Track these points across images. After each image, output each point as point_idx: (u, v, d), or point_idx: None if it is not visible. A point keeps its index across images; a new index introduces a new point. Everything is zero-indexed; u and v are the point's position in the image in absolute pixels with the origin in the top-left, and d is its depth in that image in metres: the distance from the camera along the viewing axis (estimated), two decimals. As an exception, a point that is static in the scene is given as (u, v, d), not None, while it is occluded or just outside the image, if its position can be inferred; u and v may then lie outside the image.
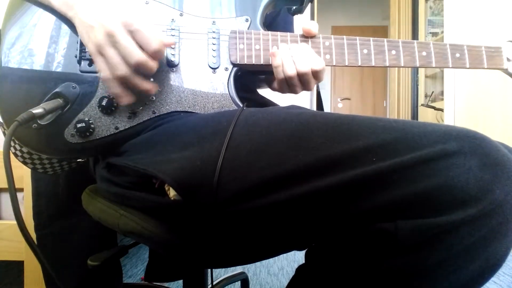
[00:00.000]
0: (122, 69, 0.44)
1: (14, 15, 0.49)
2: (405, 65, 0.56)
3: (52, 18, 0.49)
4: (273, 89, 0.62)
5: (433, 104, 3.16)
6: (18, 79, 0.47)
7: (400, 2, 3.96)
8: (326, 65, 0.55)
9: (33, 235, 0.85)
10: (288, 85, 0.55)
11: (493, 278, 1.29)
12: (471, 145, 0.31)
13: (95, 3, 0.45)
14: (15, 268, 1.18)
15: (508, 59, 0.60)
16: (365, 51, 0.55)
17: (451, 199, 0.30)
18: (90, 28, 0.44)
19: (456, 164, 0.30)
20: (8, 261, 1.05)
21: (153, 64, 0.45)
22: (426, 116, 3.37)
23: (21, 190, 1.00)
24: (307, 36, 0.55)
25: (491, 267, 0.32)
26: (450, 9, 2.49)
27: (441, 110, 2.91)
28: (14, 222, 0.40)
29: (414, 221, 0.30)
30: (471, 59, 0.58)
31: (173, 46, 0.50)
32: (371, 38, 0.55)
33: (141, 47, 0.44)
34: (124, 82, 0.45)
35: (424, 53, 0.56)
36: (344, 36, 0.55)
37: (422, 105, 3.44)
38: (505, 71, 0.61)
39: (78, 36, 0.48)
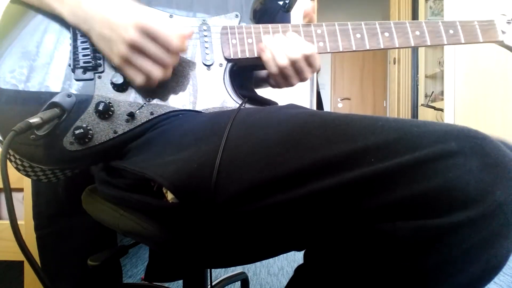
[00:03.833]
0: (159, 72, 0.46)
1: (7, 29, 0.50)
2: (400, 45, 0.56)
3: (45, 29, 0.50)
4: (271, 85, 0.62)
5: (433, 104, 3.16)
6: (14, 91, 0.47)
7: (400, 2, 3.96)
8: (321, 53, 0.55)
9: (34, 235, 0.86)
10: (283, 77, 0.55)
11: (493, 278, 1.29)
12: (472, 145, 0.30)
13: (107, 11, 0.45)
14: (15, 268, 1.17)
15: (502, 32, 0.60)
16: (358, 35, 0.55)
17: (450, 201, 0.29)
18: (109, 41, 0.45)
19: (456, 165, 0.29)
20: (8, 261, 1.05)
21: (178, 59, 0.48)
22: (426, 116, 3.37)
23: (21, 190, 1.00)
24: (298, 26, 0.55)
25: (492, 269, 0.31)
26: (450, 9, 2.49)
27: (441, 110, 2.91)
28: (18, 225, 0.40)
29: (414, 222, 0.30)
30: (465, 34, 0.58)
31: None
32: (362, 22, 0.55)
33: (163, 47, 0.46)
34: (160, 80, 0.48)
35: (417, 33, 0.56)
36: (336, 23, 0.55)
37: (422, 105, 3.44)
38: (501, 43, 0.61)
39: (71, 45, 0.49)
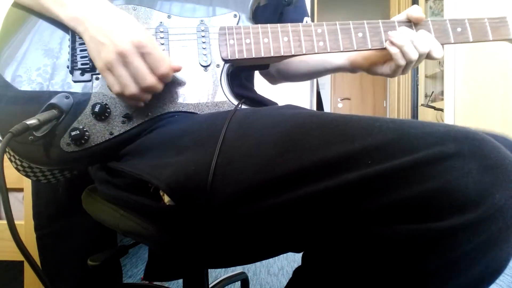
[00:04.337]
0: (132, 89, 0.45)
1: (8, 32, 0.50)
2: None
3: (44, 31, 0.50)
4: (352, 72, 0.68)
5: (433, 104, 3.16)
6: (15, 92, 0.48)
7: (400, 2, 3.96)
8: (321, 53, 0.54)
9: (34, 235, 0.86)
10: (402, 69, 0.58)
11: (493, 278, 1.28)
12: (471, 146, 0.29)
13: (105, 19, 0.45)
14: (15, 268, 1.17)
15: None
16: (360, 34, 0.54)
17: (449, 204, 0.29)
18: (101, 45, 0.44)
19: (454, 167, 0.29)
20: (8, 261, 1.05)
21: (161, 87, 0.47)
22: (426, 116, 3.37)
23: (21, 190, 1.00)
24: (298, 25, 0.54)
25: (492, 273, 0.31)
26: (450, 9, 2.49)
27: (441, 110, 2.91)
28: (15, 222, 0.40)
29: (412, 226, 0.30)
30: (474, 32, 0.56)
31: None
32: (365, 21, 0.54)
33: (150, 69, 0.45)
34: (132, 99, 0.47)
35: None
36: (337, 22, 0.54)
37: (422, 105, 3.44)
38: None
39: (69, 46, 0.49)
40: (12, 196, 1.01)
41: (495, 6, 2.07)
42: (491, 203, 0.28)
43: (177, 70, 0.48)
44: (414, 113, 3.69)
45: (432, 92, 3.45)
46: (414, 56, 0.54)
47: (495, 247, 0.29)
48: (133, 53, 0.44)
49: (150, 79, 0.45)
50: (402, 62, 0.55)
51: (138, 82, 0.45)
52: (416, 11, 0.55)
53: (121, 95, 0.46)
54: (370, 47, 0.55)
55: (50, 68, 0.49)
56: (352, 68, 0.69)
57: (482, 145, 0.30)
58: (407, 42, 0.54)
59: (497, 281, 1.36)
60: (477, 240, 0.29)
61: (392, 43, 0.54)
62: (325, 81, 5.43)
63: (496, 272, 0.31)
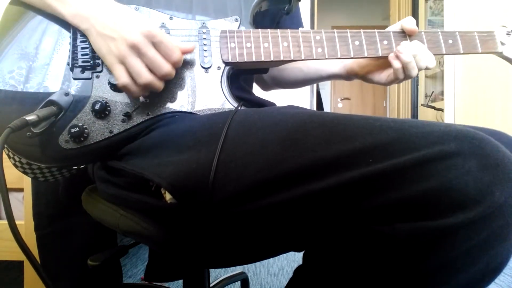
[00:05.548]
0: (147, 77, 0.45)
1: (5, 30, 0.50)
2: None
3: (44, 30, 0.50)
4: (346, 79, 0.70)
5: (433, 104, 3.16)
6: (12, 91, 0.48)
7: (400, 2, 3.96)
8: (319, 59, 0.55)
9: (34, 235, 0.86)
10: (400, 77, 0.59)
11: (493, 278, 1.28)
12: (470, 145, 0.30)
13: (110, 14, 0.45)
14: (15, 268, 1.18)
15: (502, 43, 0.61)
16: (357, 42, 0.56)
17: (449, 202, 0.29)
18: (111, 39, 0.45)
19: (454, 166, 0.29)
20: (8, 261, 1.06)
21: (174, 74, 0.48)
22: (426, 116, 3.37)
23: (21, 190, 1.00)
24: (297, 32, 0.55)
25: (492, 271, 0.31)
26: (450, 9, 2.49)
27: (441, 110, 2.91)
28: (15, 222, 0.40)
29: (413, 224, 0.30)
30: (464, 44, 0.59)
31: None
32: (361, 30, 0.56)
33: (164, 57, 0.46)
34: (147, 88, 0.47)
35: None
36: (335, 30, 0.56)
37: (422, 105, 3.44)
38: (500, 54, 0.61)
39: (70, 44, 0.49)
40: (12, 196, 1.01)
41: (495, 6, 2.07)
42: (491, 201, 0.29)
43: (190, 51, 0.49)
44: (414, 113, 3.69)
45: (432, 92, 3.45)
46: (414, 73, 0.56)
47: (495, 245, 0.30)
48: (145, 44, 0.44)
49: (166, 67, 0.46)
50: (402, 76, 0.58)
51: (155, 71, 0.46)
52: (410, 23, 0.57)
53: (129, 86, 0.46)
54: (366, 55, 0.56)
55: (50, 65, 0.49)
56: (348, 76, 0.71)
57: (482, 144, 0.30)
58: (411, 59, 0.55)
59: (497, 281, 1.36)
60: (478, 237, 0.29)
61: (397, 57, 0.56)
62: (325, 81, 5.44)
63: (496, 269, 0.31)
